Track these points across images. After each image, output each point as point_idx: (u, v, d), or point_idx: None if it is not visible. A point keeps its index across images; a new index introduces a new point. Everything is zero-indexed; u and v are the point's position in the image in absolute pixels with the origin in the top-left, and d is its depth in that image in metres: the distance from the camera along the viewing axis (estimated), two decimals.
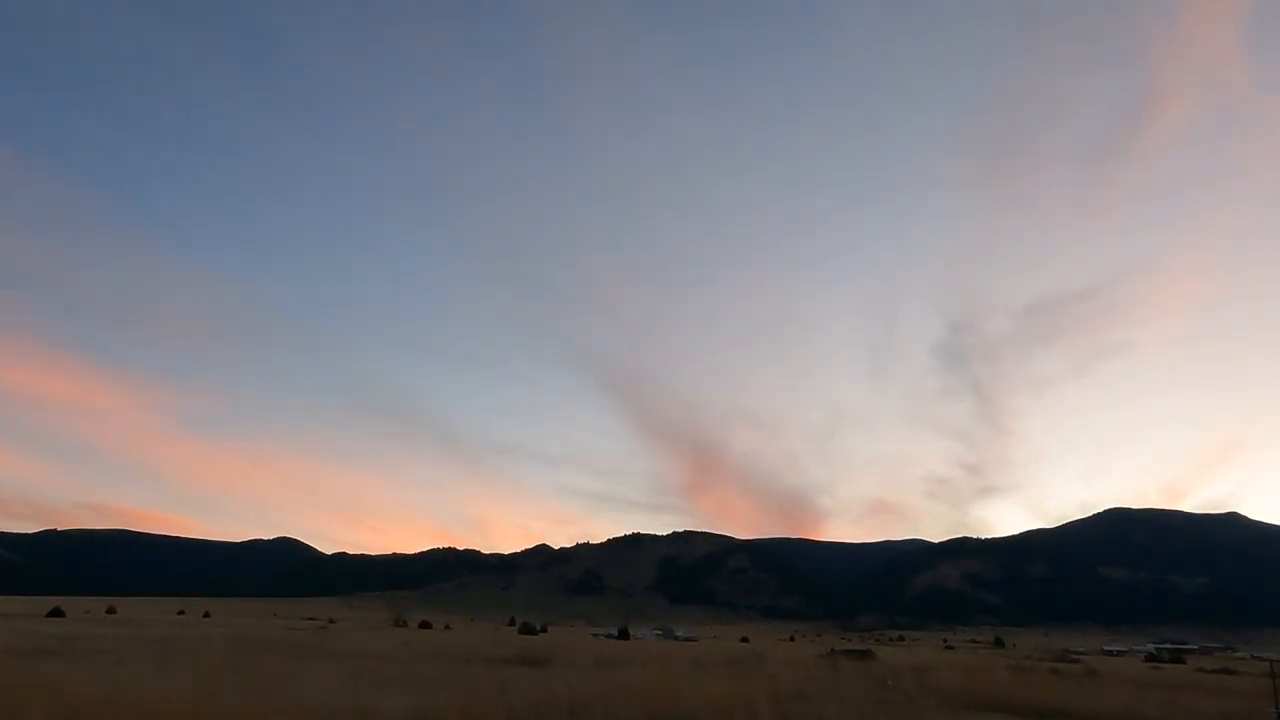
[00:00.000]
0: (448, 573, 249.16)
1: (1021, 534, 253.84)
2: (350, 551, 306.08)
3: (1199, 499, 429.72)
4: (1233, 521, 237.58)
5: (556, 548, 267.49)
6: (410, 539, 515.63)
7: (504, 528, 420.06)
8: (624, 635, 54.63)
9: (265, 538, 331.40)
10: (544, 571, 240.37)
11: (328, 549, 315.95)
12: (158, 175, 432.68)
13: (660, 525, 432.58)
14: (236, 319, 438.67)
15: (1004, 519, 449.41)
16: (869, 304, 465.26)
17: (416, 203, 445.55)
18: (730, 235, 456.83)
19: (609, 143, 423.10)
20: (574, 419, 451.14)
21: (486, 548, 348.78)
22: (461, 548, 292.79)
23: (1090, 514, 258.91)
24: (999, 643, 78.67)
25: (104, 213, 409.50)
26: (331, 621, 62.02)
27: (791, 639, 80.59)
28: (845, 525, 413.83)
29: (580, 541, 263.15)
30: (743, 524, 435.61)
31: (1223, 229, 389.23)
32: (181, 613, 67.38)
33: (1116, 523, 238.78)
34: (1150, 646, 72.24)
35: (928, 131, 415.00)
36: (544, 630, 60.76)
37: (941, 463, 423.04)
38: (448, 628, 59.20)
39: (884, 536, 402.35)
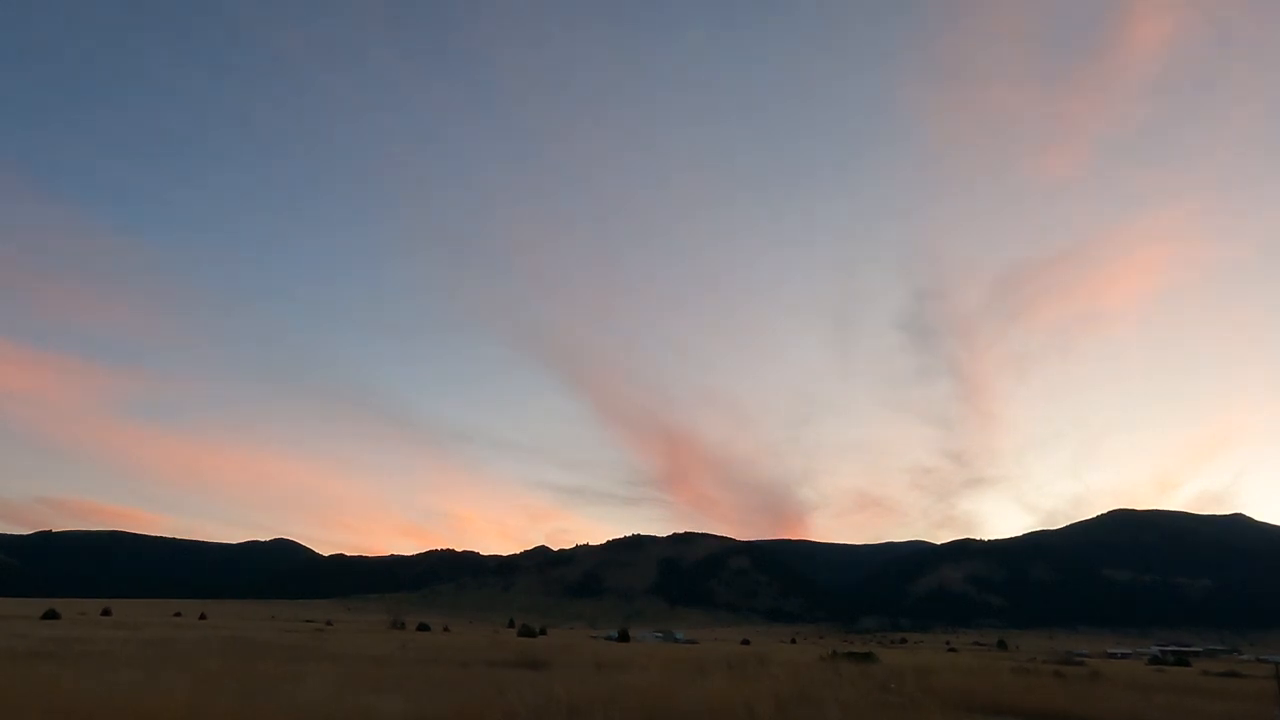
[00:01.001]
0: (446, 575, 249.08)
1: (1024, 535, 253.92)
2: (348, 553, 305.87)
3: (1195, 490, 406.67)
4: (1238, 523, 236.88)
5: (555, 549, 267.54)
6: (381, 534, 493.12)
7: (479, 523, 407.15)
8: (624, 638, 54.42)
9: (262, 539, 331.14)
10: (543, 573, 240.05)
11: (322, 550, 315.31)
12: (81, 136, 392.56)
13: (637, 518, 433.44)
14: (183, 301, 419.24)
15: (994, 513, 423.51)
16: (828, 272, 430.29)
17: (372, 189, 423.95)
18: (680, 201, 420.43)
19: (570, 128, 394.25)
20: (541, 410, 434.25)
21: (458, 544, 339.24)
22: (431, 541, 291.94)
23: (1094, 515, 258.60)
24: (1002, 645, 78.29)
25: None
26: (329, 624, 61.82)
27: (793, 641, 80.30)
28: (830, 519, 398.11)
29: (580, 543, 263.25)
30: (722, 517, 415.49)
31: (1209, 174, 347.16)
32: (178, 615, 67.06)
33: (1120, 524, 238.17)
34: (1155, 649, 72.18)
35: (881, 80, 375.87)
36: (543, 633, 60.51)
37: (923, 451, 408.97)
38: (446, 630, 58.99)
39: (873, 531, 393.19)
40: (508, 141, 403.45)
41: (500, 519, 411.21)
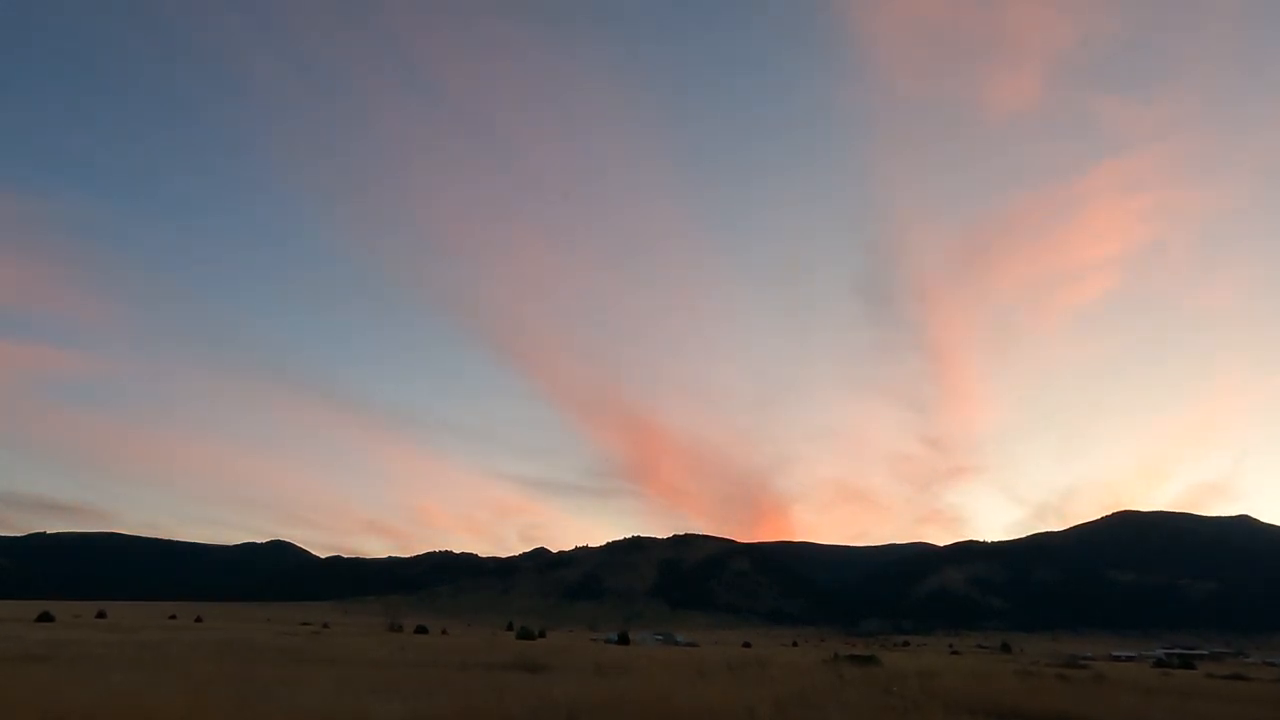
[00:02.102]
0: (445, 577, 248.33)
1: (1027, 537, 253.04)
2: (344, 555, 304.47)
3: (1191, 480, 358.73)
4: (1243, 525, 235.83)
5: (555, 551, 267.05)
6: (344, 530, 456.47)
7: (445, 518, 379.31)
8: (624, 640, 54.13)
9: (259, 541, 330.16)
10: (543, 575, 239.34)
11: (318, 552, 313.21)
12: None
13: (610, 510, 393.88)
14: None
15: (983, 506, 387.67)
16: (774, 231, 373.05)
17: (324, 177, 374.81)
18: (605, 152, 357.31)
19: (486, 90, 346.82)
20: (495, 396, 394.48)
21: (426, 540, 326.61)
22: (397, 536, 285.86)
23: (1097, 516, 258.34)
24: (1005, 648, 77.80)
25: None
26: (326, 626, 61.52)
27: (795, 644, 79.62)
28: (813, 513, 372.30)
29: (580, 545, 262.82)
30: (700, 510, 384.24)
31: (1195, 102, 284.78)
32: (173, 617, 66.71)
33: (1124, 526, 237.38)
34: (1160, 652, 71.52)
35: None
36: (542, 635, 60.16)
37: (899, 437, 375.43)
38: (444, 633, 58.60)
39: (859, 526, 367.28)
40: (452, 119, 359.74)
41: (469, 513, 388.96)
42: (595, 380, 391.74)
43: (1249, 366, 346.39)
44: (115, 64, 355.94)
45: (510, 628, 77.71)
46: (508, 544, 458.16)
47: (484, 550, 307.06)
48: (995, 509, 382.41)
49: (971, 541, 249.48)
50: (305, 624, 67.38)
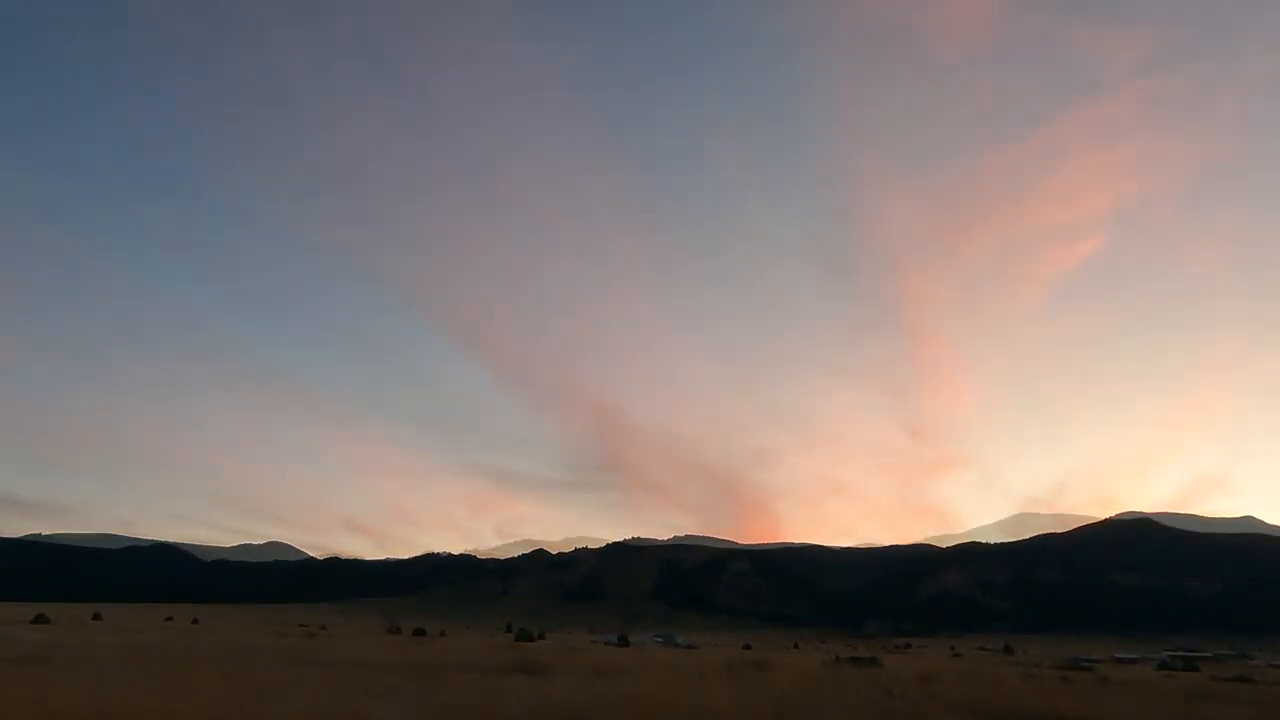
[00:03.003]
0: (443, 578, 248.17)
1: (1031, 538, 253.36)
2: (343, 556, 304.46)
3: (1185, 473, 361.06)
4: (1248, 526, 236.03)
5: (554, 553, 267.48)
6: (318, 528, 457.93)
7: (420, 515, 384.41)
8: (624, 642, 53.98)
9: (256, 543, 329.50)
10: (542, 577, 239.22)
11: (316, 554, 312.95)
12: None
13: (590, 504, 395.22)
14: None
15: (975, 502, 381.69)
16: (731, 200, 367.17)
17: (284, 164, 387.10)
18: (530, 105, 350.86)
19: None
20: (465, 391, 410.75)
21: (404, 537, 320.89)
22: (375, 536, 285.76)
23: (1101, 518, 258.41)
24: (1008, 650, 77.38)
25: None
26: (323, 628, 61.25)
27: (796, 646, 79.16)
28: (800, 508, 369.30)
29: (579, 546, 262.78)
30: (683, 506, 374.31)
31: (1188, 31, 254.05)
32: (170, 619, 65.72)
33: (1128, 527, 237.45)
34: (1164, 654, 70.97)
35: None
36: (542, 637, 59.75)
37: (880, 426, 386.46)
38: (443, 634, 58.22)
39: (848, 521, 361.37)
40: (399, 88, 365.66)
41: (444, 509, 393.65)
42: (563, 372, 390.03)
43: (1248, 341, 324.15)
44: (41, 35, 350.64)
45: (509, 629, 77.34)
46: (484, 538, 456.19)
47: (462, 545, 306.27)
48: (986, 503, 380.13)
49: (973, 543, 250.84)
50: (303, 626, 67.05)
